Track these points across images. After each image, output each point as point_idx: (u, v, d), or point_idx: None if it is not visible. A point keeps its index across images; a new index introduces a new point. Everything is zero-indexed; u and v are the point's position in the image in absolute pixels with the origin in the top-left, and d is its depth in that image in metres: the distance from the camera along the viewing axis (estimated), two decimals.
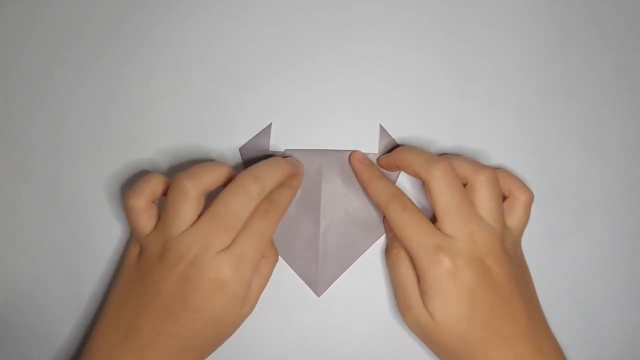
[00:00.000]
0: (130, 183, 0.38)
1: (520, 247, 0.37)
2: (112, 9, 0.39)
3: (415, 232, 0.34)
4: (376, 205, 0.36)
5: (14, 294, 0.38)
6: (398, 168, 0.37)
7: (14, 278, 0.38)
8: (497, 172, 0.36)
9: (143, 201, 0.34)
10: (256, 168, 0.34)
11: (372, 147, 0.38)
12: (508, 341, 0.33)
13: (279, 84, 0.39)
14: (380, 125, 0.38)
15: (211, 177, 0.34)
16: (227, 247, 0.33)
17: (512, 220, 0.36)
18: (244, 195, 0.33)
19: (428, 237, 0.33)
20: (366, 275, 0.38)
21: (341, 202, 0.38)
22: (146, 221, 0.34)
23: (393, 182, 0.38)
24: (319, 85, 0.39)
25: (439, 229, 0.34)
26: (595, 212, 0.39)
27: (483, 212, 0.34)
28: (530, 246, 0.38)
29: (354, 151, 0.38)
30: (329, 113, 0.38)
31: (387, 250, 0.38)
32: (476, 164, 0.35)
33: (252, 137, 0.38)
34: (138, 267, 0.35)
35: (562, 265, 0.39)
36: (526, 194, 0.36)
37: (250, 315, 0.36)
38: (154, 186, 0.34)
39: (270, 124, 0.38)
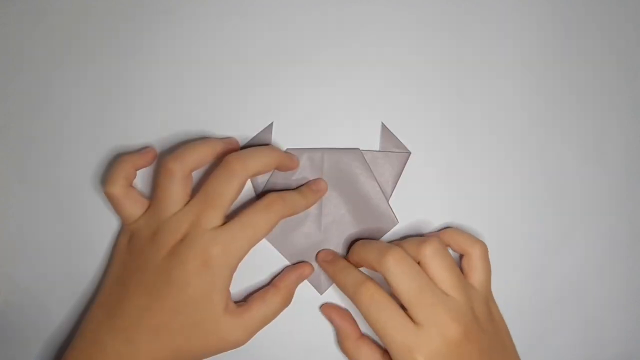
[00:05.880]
0: None
1: (493, 301, 0.36)
2: (111, 7, 0.39)
3: (387, 327, 0.33)
4: (346, 296, 0.35)
5: (14, 292, 0.38)
6: (359, 265, 0.36)
7: (14, 277, 0.38)
8: (443, 235, 0.36)
9: (119, 187, 0.35)
10: (245, 150, 0.35)
11: (373, 145, 0.38)
12: None
13: (280, 84, 0.38)
14: (382, 123, 0.38)
15: (196, 157, 0.34)
16: (218, 227, 0.33)
17: (475, 278, 0.35)
18: (227, 173, 0.34)
19: (400, 335, 0.32)
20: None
21: (343, 200, 0.38)
22: (130, 205, 0.35)
23: (359, 270, 0.35)
24: (319, 87, 0.39)
25: (410, 317, 0.33)
26: (595, 212, 0.39)
27: (444, 287, 0.33)
28: (530, 247, 0.38)
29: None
30: (329, 114, 0.39)
31: (342, 340, 0.37)
32: (419, 241, 0.34)
33: (253, 137, 0.38)
34: (129, 250, 0.35)
35: (562, 265, 0.39)
36: (478, 247, 0.35)
37: None
38: (126, 169, 0.35)
39: (272, 123, 0.38)
